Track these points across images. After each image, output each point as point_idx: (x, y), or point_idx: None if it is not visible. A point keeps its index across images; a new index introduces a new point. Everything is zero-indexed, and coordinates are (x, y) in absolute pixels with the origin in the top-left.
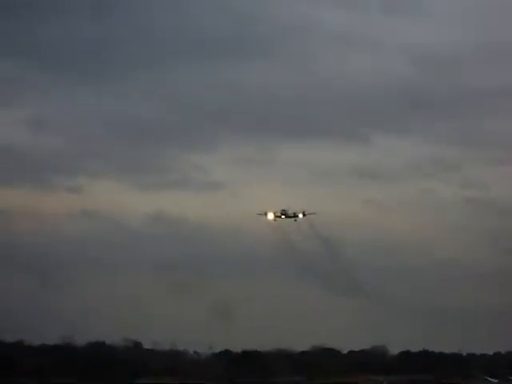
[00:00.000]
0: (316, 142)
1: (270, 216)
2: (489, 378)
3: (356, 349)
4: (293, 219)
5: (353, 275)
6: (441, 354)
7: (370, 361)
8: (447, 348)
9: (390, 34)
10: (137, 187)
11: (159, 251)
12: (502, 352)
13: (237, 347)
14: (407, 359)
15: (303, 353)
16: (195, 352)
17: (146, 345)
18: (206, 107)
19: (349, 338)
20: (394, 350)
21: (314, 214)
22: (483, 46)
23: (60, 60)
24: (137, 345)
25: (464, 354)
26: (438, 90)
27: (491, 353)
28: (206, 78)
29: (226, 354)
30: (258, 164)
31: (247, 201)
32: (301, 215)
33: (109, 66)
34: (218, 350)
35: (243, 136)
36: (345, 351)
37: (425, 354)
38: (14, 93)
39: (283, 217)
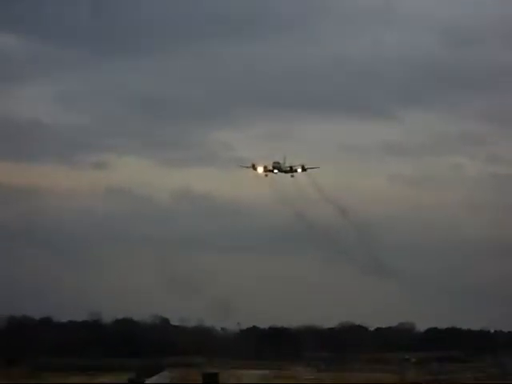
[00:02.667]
0: (342, 118)
1: (260, 170)
2: None
3: (383, 326)
4: (289, 174)
5: (378, 252)
6: (468, 330)
7: (397, 338)
8: (474, 325)
9: (415, 7)
10: (163, 164)
11: (186, 227)
12: None
13: (264, 324)
14: (434, 336)
15: (331, 329)
16: (223, 329)
17: (174, 321)
18: (232, 85)
19: (376, 316)
20: (421, 327)
21: (317, 168)
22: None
23: (87, 37)
24: (164, 321)
25: (492, 330)
26: (464, 64)
27: None
28: (228, 56)
29: (254, 330)
30: (284, 140)
31: (276, 180)
32: (299, 169)
33: (136, 44)
34: (245, 326)
35: (269, 112)
36: (372, 328)
37: (452, 331)
38: (40, 69)
39: (276, 171)
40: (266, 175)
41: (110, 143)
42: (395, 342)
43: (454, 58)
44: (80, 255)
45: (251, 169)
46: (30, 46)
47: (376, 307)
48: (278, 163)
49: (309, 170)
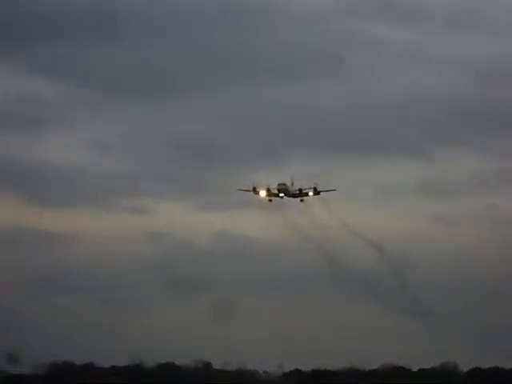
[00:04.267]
0: (379, 158)
1: (262, 193)
2: None
3: (426, 367)
4: (298, 198)
5: (417, 292)
6: None
7: (440, 378)
8: None
9: (452, 46)
10: (201, 207)
11: (224, 270)
12: None
13: (307, 366)
14: (478, 376)
15: (374, 371)
16: (265, 372)
17: (216, 365)
18: (269, 126)
19: (417, 356)
20: (464, 367)
21: (334, 190)
22: None
23: (123, 83)
24: (206, 365)
25: None
26: (501, 103)
27: None
28: (267, 98)
29: (297, 373)
30: (322, 181)
31: (311, 218)
32: (311, 193)
33: (172, 88)
34: (287, 369)
35: (307, 154)
36: (415, 369)
37: (496, 371)
38: (78, 115)
39: (282, 195)
40: (270, 200)
41: (147, 187)
42: (438, 382)
43: (492, 97)
44: (120, 300)
45: (252, 193)
46: (65, 89)
47: (417, 348)
48: (284, 185)
49: (323, 194)
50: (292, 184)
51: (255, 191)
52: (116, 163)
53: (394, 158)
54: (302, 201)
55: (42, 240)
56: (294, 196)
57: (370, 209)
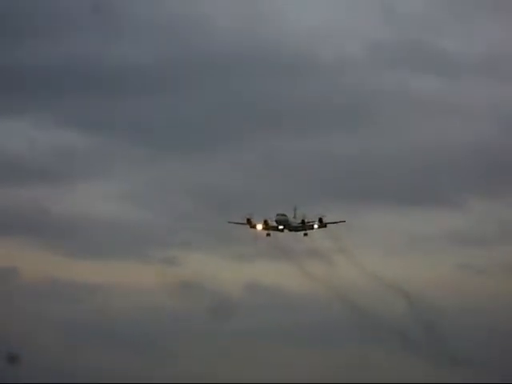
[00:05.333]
0: (406, 208)
1: (259, 227)
2: None
3: None
4: (300, 232)
5: (447, 343)
6: None
7: None
8: None
9: (478, 93)
10: (231, 258)
11: (257, 321)
12: None
13: None
14: None
15: None
16: None
17: None
18: (296, 175)
19: None
20: None
21: (343, 222)
22: None
23: (149, 133)
24: None
25: None
26: None
27: None
28: (293, 149)
29: None
30: (349, 231)
31: (341, 269)
32: (316, 225)
33: (199, 139)
34: None
35: (333, 203)
36: None
37: None
38: (105, 166)
39: (281, 227)
40: (269, 234)
41: (178, 238)
42: None
43: None
44: (153, 351)
45: (246, 226)
46: (96, 141)
47: None
48: (284, 215)
49: (330, 226)
50: (294, 215)
51: (250, 224)
52: (147, 214)
53: (421, 206)
54: (305, 235)
55: (76, 292)
56: (296, 229)
57: (397, 257)
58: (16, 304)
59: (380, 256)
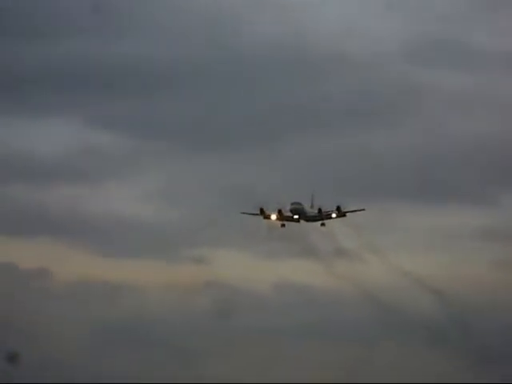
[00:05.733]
0: (440, 205)
1: (273, 217)
2: None
3: None
4: (318, 223)
5: (482, 341)
6: None
7: None
8: None
9: (509, 91)
10: (260, 255)
11: (286, 319)
12: None
13: None
14: None
15: None
16: None
17: None
18: (324, 173)
19: None
20: None
21: (362, 210)
22: None
23: (185, 134)
24: None
25: None
26: None
27: None
28: (323, 147)
29: None
30: (381, 229)
31: (373, 267)
32: (334, 214)
33: (235, 139)
34: None
35: (365, 201)
36: None
37: None
38: (133, 165)
39: (296, 217)
40: (283, 225)
41: (206, 236)
42: None
43: None
44: (184, 349)
45: (260, 216)
46: (127, 141)
47: None
48: (300, 204)
49: (350, 215)
50: (311, 205)
51: (264, 214)
52: (177, 213)
53: (453, 202)
54: (322, 225)
55: (103, 291)
56: (314, 219)
57: (427, 254)
58: (48, 304)
59: (410, 253)
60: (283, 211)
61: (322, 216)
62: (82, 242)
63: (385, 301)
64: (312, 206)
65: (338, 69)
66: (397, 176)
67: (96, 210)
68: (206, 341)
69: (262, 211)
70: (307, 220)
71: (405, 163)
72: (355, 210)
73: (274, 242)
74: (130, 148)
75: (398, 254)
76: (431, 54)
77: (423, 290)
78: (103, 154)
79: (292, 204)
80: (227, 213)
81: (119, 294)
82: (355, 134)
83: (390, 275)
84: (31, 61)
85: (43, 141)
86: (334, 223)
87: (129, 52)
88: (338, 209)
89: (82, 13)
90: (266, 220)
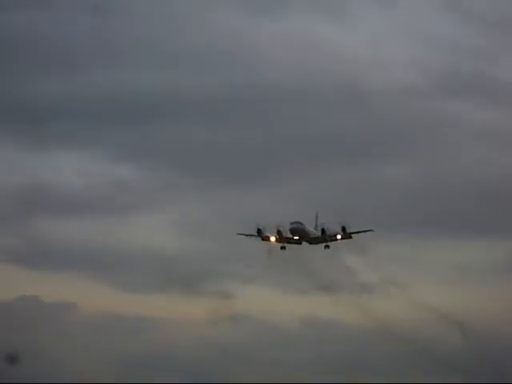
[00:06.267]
0: (465, 238)
1: (273, 238)
2: None
3: None
4: (321, 244)
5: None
6: None
7: None
8: None
9: None
10: (286, 290)
11: (313, 354)
12: None
13: None
14: None
15: None
16: None
17: None
18: (357, 208)
19: None
20: None
21: (370, 231)
22: None
23: (200, 163)
24: None
25: None
26: None
27: None
28: (353, 177)
29: None
30: (410, 263)
31: (401, 303)
32: (339, 236)
33: (262, 170)
34: None
35: (394, 235)
36: None
37: None
38: (156, 197)
39: (297, 238)
40: (283, 248)
41: (231, 270)
42: None
43: None
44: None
45: (257, 238)
46: (151, 173)
47: None
48: (301, 224)
49: (356, 236)
50: (316, 225)
51: (261, 235)
52: (200, 246)
53: (476, 235)
54: (327, 247)
55: (131, 325)
56: (317, 241)
57: (451, 287)
58: (74, 338)
59: (434, 286)
60: (283, 232)
61: (325, 237)
62: (107, 276)
63: (410, 335)
64: (316, 227)
65: (363, 100)
66: (416, 208)
67: (121, 243)
68: (231, 375)
69: (259, 232)
70: (310, 242)
71: (427, 196)
72: (362, 231)
73: (292, 274)
74: (155, 181)
75: (422, 288)
76: (456, 85)
77: (449, 325)
78: (129, 186)
79: (292, 223)
80: (252, 246)
81: (144, 328)
82: (377, 166)
83: (415, 310)
84: (57, 93)
85: (66, 173)
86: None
87: (155, 83)
88: (344, 229)
89: (107, 45)
90: (265, 241)
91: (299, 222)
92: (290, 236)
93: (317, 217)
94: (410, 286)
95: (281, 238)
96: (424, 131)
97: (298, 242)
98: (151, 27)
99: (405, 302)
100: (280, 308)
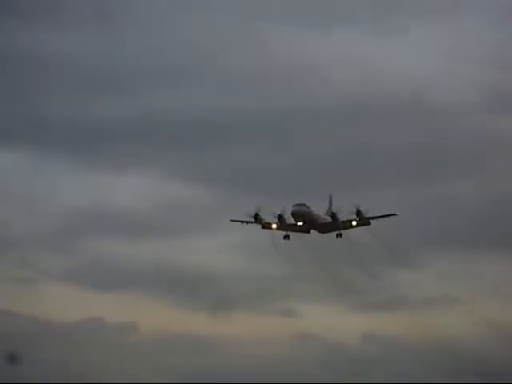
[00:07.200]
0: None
1: (274, 225)
2: None
3: None
4: (334, 233)
5: None
6: None
7: None
8: None
9: None
10: (350, 308)
11: (377, 370)
12: None
13: None
14: None
15: None
16: None
17: None
18: (413, 227)
19: None
20: None
21: (393, 215)
22: None
23: (253, 182)
24: None
25: None
26: None
27: None
28: (407, 197)
29: None
30: (468, 278)
31: (463, 318)
32: (354, 222)
33: (314, 188)
34: None
35: (446, 248)
36: None
37: None
38: (217, 218)
39: (300, 223)
40: (287, 237)
41: (296, 290)
42: None
43: None
44: None
45: (256, 225)
46: (208, 193)
47: None
48: (305, 206)
49: (375, 222)
50: (328, 210)
51: (261, 222)
52: (262, 265)
53: None
54: (339, 236)
55: (194, 344)
56: (327, 228)
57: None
58: (136, 358)
59: (496, 303)
60: (285, 217)
61: (337, 224)
62: (167, 296)
63: (471, 351)
64: (329, 212)
65: (417, 116)
66: (477, 225)
67: (180, 263)
68: None
69: (256, 217)
70: (319, 230)
71: (486, 212)
72: (384, 216)
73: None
74: (215, 202)
75: (480, 303)
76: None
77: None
78: (188, 207)
79: (294, 206)
80: (317, 265)
81: (207, 348)
82: (432, 184)
83: (474, 325)
84: (117, 115)
85: (124, 194)
86: None
87: (208, 104)
88: (358, 213)
89: (167, 68)
90: (266, 229)
91: (303, 204)
92: (293, 222)
93: (330, 198)
94: (468, 301)
95: (282, 224)
96: (478, 148)
97: (305, 230)
98: (211, 49)
99: (464, 316)
100: (342, 325)
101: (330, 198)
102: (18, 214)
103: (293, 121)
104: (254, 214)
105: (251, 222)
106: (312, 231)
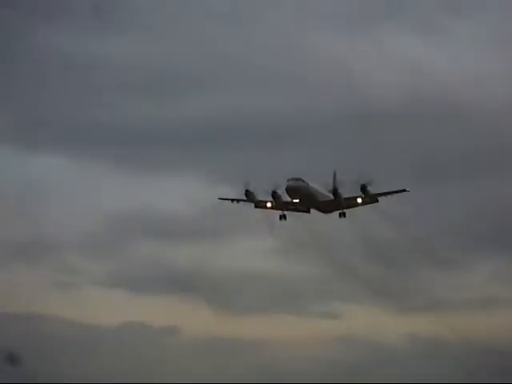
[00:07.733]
0: None
1: (269, 204)
2: None
3: None
4: (336, 212)
5: None
6: None
7: None
8: None
9: None
10: (392, 310)
11: (416, 370)
12: None
13: None
14: None
15: None
16: None
17: None
18: (446, 223)
19: None
20: None
21: (404, 191)
22: None
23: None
24: None
25: None
26: None
27: None
28: (453, 198)
29: None
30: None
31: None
32: (359, 199)
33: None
34: None
35: (481, 251)
36: None
37: None
38: (258, 220)
39: (297, 200)
40: (283, 216)
41: (338, 292)
42: None
43: None
44: None
45: (249, 204)
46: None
47: None
48: (301, 181)
49: (384, 199)
50: (333, 187)
51: (253, 200)
52: (303, 267)
53: None
54: (342, 215)
55: (236, 347)
56: (328, 207)
57: None
58: (177, 362)
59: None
60: (279, 193)
61: (340, 201)
62: (209, 299)
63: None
64: (333, 189)
65: (456, 119)
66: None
67: (222, 266)
68: None
69: (248, 194)
70: (321, 209)
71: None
72: (393, 192)
73: None
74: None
75: None
76: None
77: None
78: (231, 210)
79: (289, 180)
80: (353, 266)
81: (248, 351)
82: (475, 187)
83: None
84: (161, 119)
85: (167, 197)
86: None
87: (257, 107)
88: (363, 189)
89: (212, 71)
90: (260, 208)
91: (299, 179)
92: (289, 200)
93: (335, 175)
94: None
95: (278, 202)
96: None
97: (304, 210)
98: (251, 51)
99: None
100: (385, 327)
101: (335, 174)
102: (61, 218)
103: (344, 123)
104: (245, 191)
105: (242, 200)
106: (312, 211)
